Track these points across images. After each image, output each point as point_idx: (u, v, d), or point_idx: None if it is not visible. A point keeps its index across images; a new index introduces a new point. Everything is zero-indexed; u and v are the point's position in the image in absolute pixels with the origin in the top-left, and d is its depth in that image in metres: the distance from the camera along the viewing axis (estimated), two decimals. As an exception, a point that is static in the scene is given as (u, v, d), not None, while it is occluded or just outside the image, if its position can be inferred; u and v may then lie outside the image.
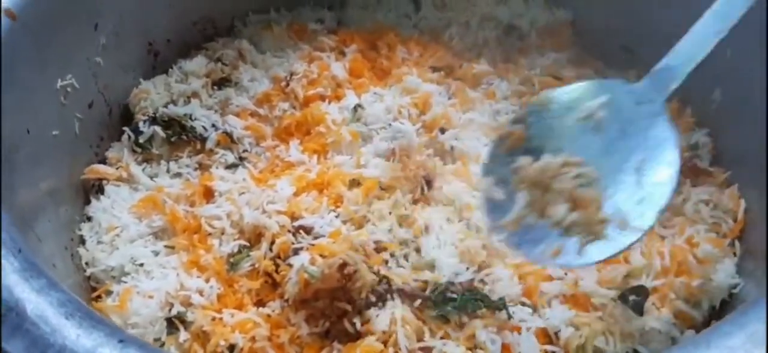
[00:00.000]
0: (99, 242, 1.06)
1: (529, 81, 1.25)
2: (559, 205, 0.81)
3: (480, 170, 0.88)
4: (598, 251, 0.80)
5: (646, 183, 0.80)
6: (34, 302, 0.69)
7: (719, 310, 0.97)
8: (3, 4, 0.98)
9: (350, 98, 1.19)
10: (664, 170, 0.80)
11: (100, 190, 1.12)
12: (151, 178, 1.14)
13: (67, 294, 0.71)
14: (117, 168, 1.15)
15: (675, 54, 0.86)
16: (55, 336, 0.65)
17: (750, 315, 0.70)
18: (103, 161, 1.17)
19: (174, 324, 0.94)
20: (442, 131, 1.13)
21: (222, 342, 0.90)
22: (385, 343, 0.88)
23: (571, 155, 0.82)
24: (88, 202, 1.12)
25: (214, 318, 0.93)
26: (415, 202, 1.04)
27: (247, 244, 1.01)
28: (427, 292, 0.93)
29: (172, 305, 0.95)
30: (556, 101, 0.88)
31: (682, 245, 0.99)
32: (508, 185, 0.84)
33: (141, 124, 1.18)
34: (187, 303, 0.95)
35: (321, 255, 0.93)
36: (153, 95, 1.23)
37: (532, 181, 0.83)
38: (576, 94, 0.88)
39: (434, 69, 1.26)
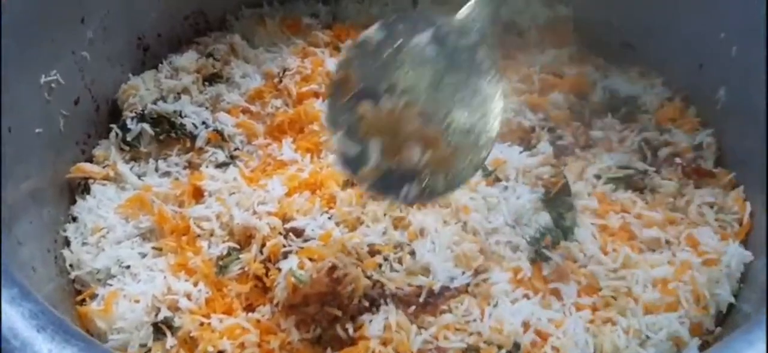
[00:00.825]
0: (84, 244, 1.03)
1: (529, 78, 1.22)
2: (412, 148, 0.84)
3: (325, 122, 0.89)
4: (458, 177, 0.86)
5: (479, 104, 0.86)
6: (6, 313, 0.66)
7: (726, 315, 0.95)
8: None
9: (345, 96, 1.16)
10: (491, 88, 0.87)
11: (86, 189, 1.09)
12: (139, 177, 1.11)
13: (40, 305, 0.67)
14: (104, 167, 1.12)
15: None
16: (26, 350, 0.63)
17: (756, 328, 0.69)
18: (90, 159, 1.14)
19: (161, 329, 0.91)
20: (440, 130, 1.10)
21: (210, 349, 0.88)
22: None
23: (409, 94, 0.85)
24: (73, 202, 1.09)
25: (201, 324, 0.91)
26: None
27: (237, 246, 0.98)
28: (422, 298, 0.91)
29: (158, 309, 0.92)
30: (375, 40, 0.88)
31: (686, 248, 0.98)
32: (356, 134, 0.85)
33: (129, 121, 1.14)
34: (175, 308, 0.93)
35: (310, 259, 0.91)
36: (142, 91, 1.19)
37: (380, 127, 0.85)
38: (394, 29, 0.89)
39: (431, 66, 1.23)
